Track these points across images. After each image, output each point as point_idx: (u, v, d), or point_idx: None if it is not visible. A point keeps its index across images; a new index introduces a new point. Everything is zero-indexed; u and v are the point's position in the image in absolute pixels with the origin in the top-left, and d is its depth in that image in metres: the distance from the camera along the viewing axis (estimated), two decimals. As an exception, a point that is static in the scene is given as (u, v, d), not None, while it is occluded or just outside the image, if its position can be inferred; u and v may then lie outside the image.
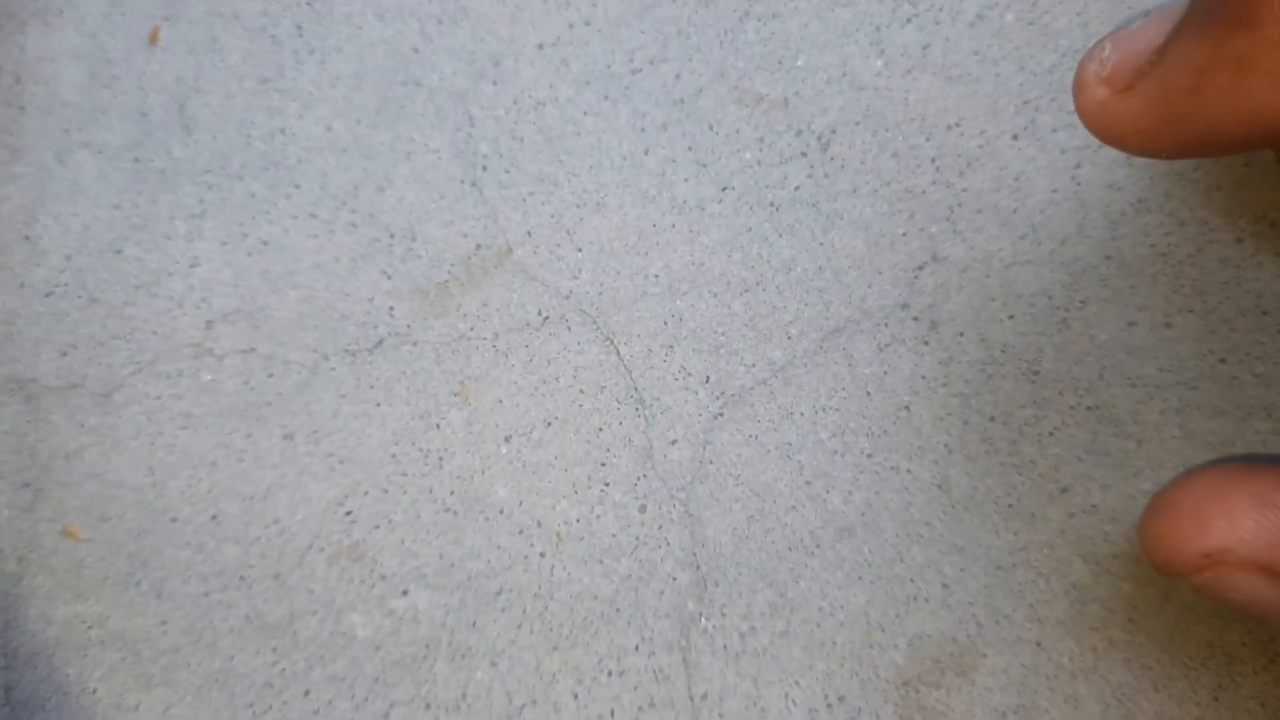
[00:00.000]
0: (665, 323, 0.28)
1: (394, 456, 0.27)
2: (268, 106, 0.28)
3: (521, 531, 0.27)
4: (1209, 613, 0.26)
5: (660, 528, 0.27)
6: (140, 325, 0.28)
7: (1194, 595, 0.26)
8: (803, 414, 0.27)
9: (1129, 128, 0.23)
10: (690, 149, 0.28)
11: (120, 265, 0.28)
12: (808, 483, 0.27)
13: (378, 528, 0.27)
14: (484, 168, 0.28)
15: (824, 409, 0.27)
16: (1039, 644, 0.27)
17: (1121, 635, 0.27)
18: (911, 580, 0.27)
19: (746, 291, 0.28)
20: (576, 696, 0.27)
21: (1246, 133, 0.21)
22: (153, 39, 0.29)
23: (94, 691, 0.27)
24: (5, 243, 0.28)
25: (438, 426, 0.27)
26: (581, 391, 0.28)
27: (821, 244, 0.28)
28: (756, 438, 0.27)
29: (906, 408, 0.27)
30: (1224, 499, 0.23)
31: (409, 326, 0.28)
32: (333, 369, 0.27)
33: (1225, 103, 0.21)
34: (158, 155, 0.28)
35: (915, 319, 0.27)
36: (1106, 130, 0.24)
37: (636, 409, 0.28)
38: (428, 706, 0.27)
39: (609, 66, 0.29)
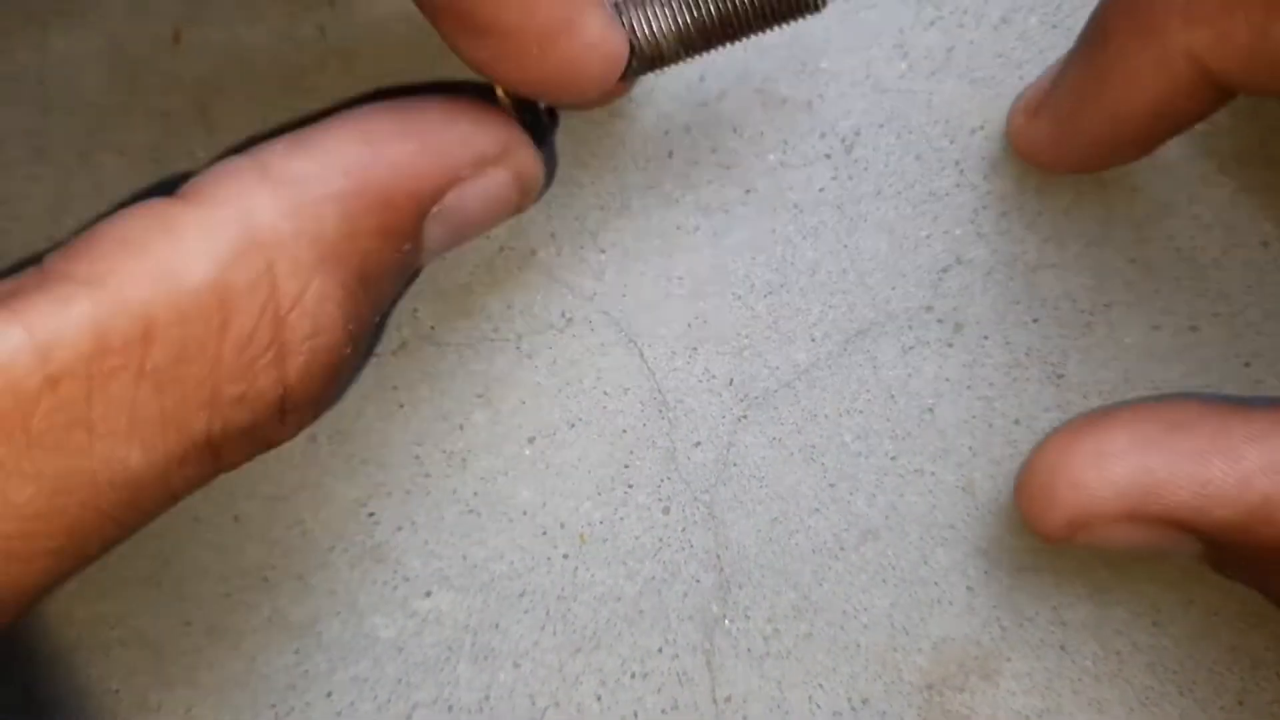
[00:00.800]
0: (689, 325, 0.28)
1: (417, 458, 0.27)
2: (290, 108, 0.28)
3: (545, 533, 0.27)
4: (1234, 616, 0.26)
5: (684, 530, 0.27)
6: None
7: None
8: (826, 416, 0.27)
9: (1037, 149, 0.27)
10: (714, 151, 0.28)
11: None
12: (831, 485, 0.27)
13: (400, 529, 0.27)
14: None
15: (848, 411, 0.27)
16: (1063, 647, 0.27)
17: (1146, 639, 0.27)
18: (935, 583, 0.27)
19: (770, 294, 0.28)
20: (600, 699, 0.27)
21: (1122, 137, 0.24)
22: (175, 39, 0.29)
23: (116, 691, 0.27)
24: (28, 243, 0.28)
25: (461, 428, 0.27)
26: (605, 393, 0.28)
27: (845, 246, 0.28)
28: (780, 440, 0.27)
29: (930, 410, 0.27)
30: (1097, 449, 0.23)
31: (432, 328, 0.28)
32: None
33: (1099, 114, 0.24)
34: (180, 156, 0.28)
35: (939, 321, 0.27)
36: (1023, 152, 0.27)
37: (660, 411, 0.28)
38: (450, 709, 0.27)
39: (632, 68, 0.29)
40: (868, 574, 0.27)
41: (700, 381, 0.28)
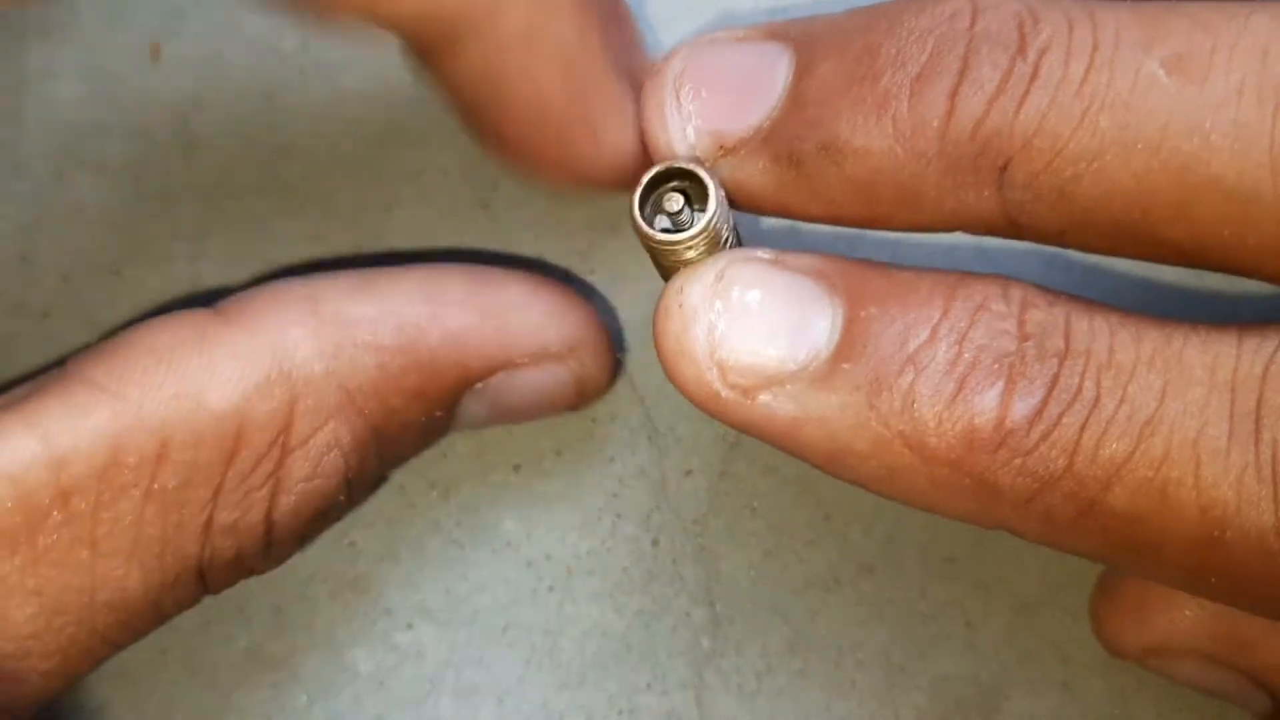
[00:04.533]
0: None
1: (400, 487, 0.27)
2: (271, 124, 0.28)
3: (530, 565, 0.27)
4: (1244, 656, 0.26)
5: (674, 562, 0.27)
6: (139, 349, 0.27)
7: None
8: (822, 445, 0.27)
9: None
10: (706, 170, 0.28)
11: (119, 286, 0.27)
12: (827, 516, 0.26)
13: (382, 560, 0.27)
14: (495, 187, 0.28)
15: (844, 440, 0.27)
16: (1066, 685, 0.26)
17: (1151, 676, 0.26)
18: (934, 618, 0.26)
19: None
20: (586, 736, 0.26)
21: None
22: (154, 55, 0.28)
23: (89, 725, 0.27)
24: (2, 262, 0.28)
25: (444, 456, 0.27)
26: (593, 420, 0.27)
27: (842, 269, 0.27)
28: (774, 469, 0.27)
29: (929, 439, 0.26)
30: (1165, 593, 0.23)
31: (415, 352, 0.27)
32: (337, 395, 0.27)
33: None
34: (158, 174, 0.28)
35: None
36: None
37: (649, 438, 0.27)
38: (432, 745, 0.26)
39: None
40: (864, 608, 0.26)
41: (691, 409, 0.26)
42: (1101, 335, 0.19)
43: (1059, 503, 0.19)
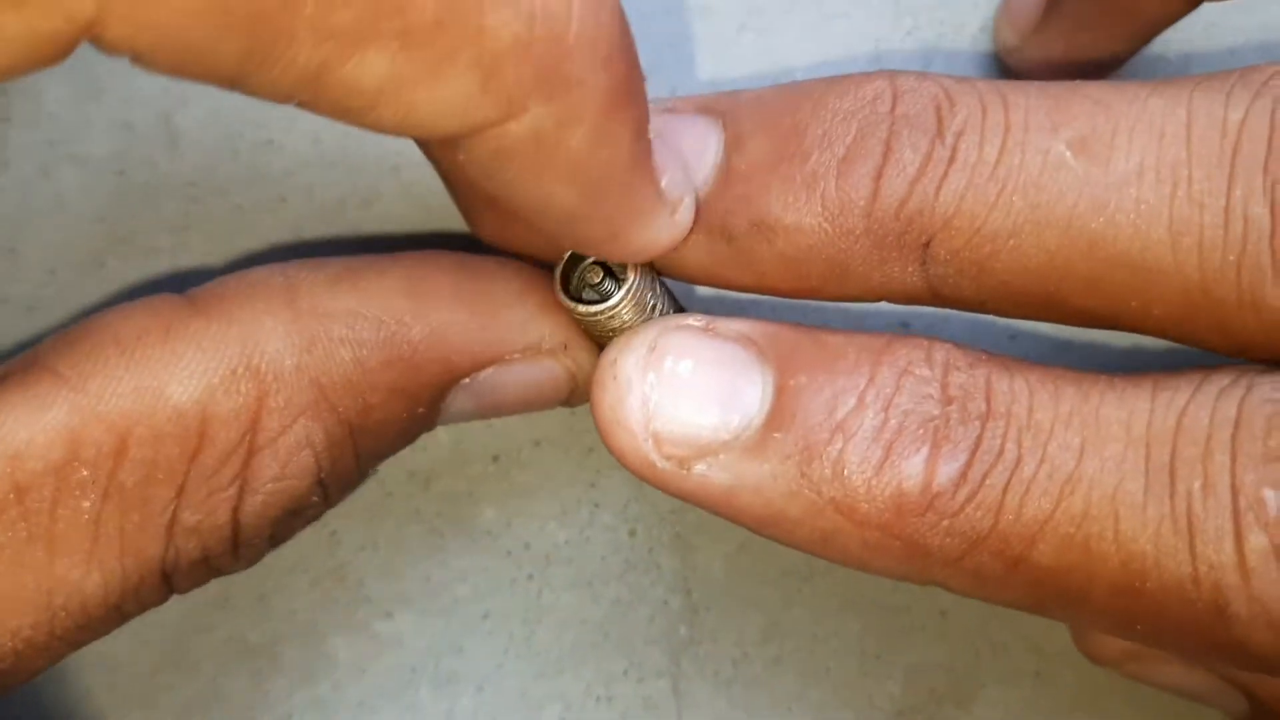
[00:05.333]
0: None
1: (380, 477, 0.27)
2: (254, 119, 0.28)
3: (509, 554, 0.27)
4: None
5: (651, 551, 0.27)
6: (123, 341, 0.27)
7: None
8: (798, 436, 0.27)
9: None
10: (684, 164, 0.28)
11: (104, 280, 0.27)
12: (802, 507, 0.27)
13: (362, 549, 0.27)
14: (475, 181, 0.28)
15: (819, 431, 0.27)
16: (1038, 675, 0.26)
17: (1124, 666, 0.26)
18: (908, 608, 0.26)
19: (739, 310, 0.27)
20: (564, 724, 0.26)
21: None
22: (138, 50, 0.28)
23: (73, 713, 0.27)
24: (-12, 256, 0.28)
25: (424, 447, 0.27)
26: (571, 412, 0.27)
27: (818, 262, 0.27)
28: (750, 460, 0.27)
29: (904, 431, 0.27)
30: None
31: (396, 344, 0.27)
32: (318, 387, 0.27)
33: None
34: (142, 168, 0.28)
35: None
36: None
37: (627, 430, 0.27)
38: (412, 733, 0.26)
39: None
40: (839, 598, 0.26)
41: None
42: (1021, 396, 0.19)
43: (987, 560, 0.19)
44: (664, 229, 0.21)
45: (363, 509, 0.27)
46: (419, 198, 0.28)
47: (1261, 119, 0.19)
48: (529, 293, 0.22)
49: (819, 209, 0.20)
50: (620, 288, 0.21)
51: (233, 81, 0.17)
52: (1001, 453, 0.19)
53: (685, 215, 0.21)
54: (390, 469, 0.27)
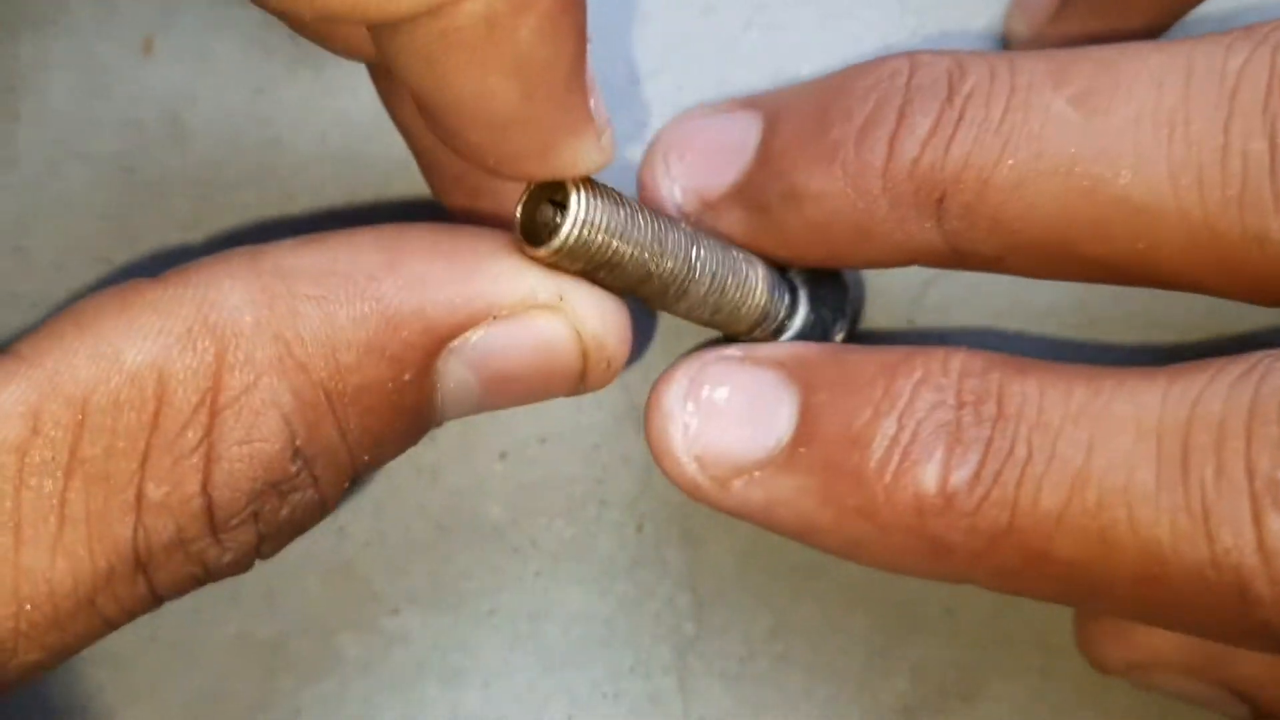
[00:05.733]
0: (664, 336, 0.27)
1: (387, 473, 0.27)
2: (261, 116, 0.28)
3: (516, 550, 0.27)
4: (1220, 641, 0.26)
5: (658, 547, 0.27)
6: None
7: None
8: (804, 432, 0.27)
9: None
10: (690, 161, 0.28)
11: (112, 277, 0.28)
12: (808, 503, 0.27)
13: (369, 545, 0.27)
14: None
15: (825, 428, 0.27)
16: (1044, 670, 0.26)
17: (1130, 662, 0.26)
18: (915, 604, 0.26)
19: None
20: (571, 719, 0.26)
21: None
22: (146, 49, 0.28)
23: (82, 708, 0.27)
24: (-4, 253, 0.28)
25: (432, 442, 0.27)
26: (578, 408, 0.27)
27: (824, 259, 0.27)
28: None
29: (910, 427, 0.27)
30: None
31: (403, 341, 0.27)
32: (325, 383, 0.27)
33: None
34: (150, 165, 0.28)
35: (922, 336, 0.27)
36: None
37: (634, 425, 0.27)
38: (419, 728, 0.26)
39: (608, 78, 0.28)
40: (845, 595, 0.26)
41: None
42: (1032, 396, 0.20)
43: (1010, 555, 0.20)
44: (593, 150, 0.21)
45: (370, 505, 0.27)
46: (426, 194, 0.28)
47: (1261, 64, 0.19)
48: (510, 249, 0.21)
49: (840, 174, 0.22)
50: (567, 217, 0.20)
51: None
52: (1012, 451, 0.20)
53: (609, 142, 0.21)
54: (397, 465, 0.27)
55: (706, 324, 0.24)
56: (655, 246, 0.22)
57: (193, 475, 0.19)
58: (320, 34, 0.21)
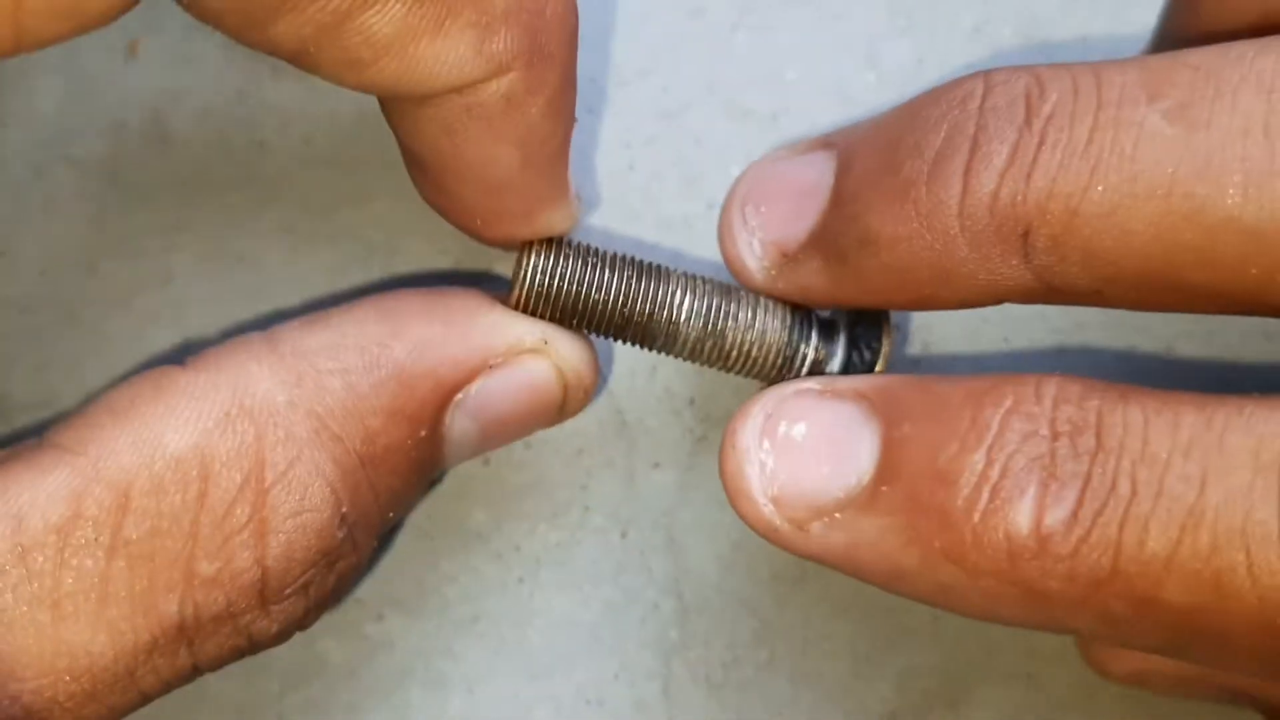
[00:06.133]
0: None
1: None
2: (246, 119, 0.28)
3: (499, 556, 0.27)
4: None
5: (642, 554, 0.27)
6: (116, 342, 0.27)
7: None
8: (790, 438, 0.27)
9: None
10: (677, 164, 0.28)
11: (96, 281, 0.28)
12: (794, 509, 0.26)
13: (354, 551, 0.27)
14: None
15: (811, 433, 0.27)
16: (1031, 677, 0.26)
17: (1117, 669, 0.26)
18: (900, 611, 0.26)
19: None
20: (555, 726, 0.26)
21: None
22: (131, 52, 0.28)
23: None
24: (-18, 257, 0.28)
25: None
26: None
27: (810, 263, 0.27)
28: (742, 462, 0.27)
29: (896, 432, 0.26)
30: None
31: (387, 345, 0.27)
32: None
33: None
34: (135, 169, 0.28)
35: (906, 340, 0.27)
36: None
37: (619, 431, 0.27)
38: (403, 734, 0.26)
39: (594, 79, 0.28)
40: (830, 601, 0.26)
41: (660, 401, 0.27)
42: (1135, 426, 0.18)
43: (1113, 603, 0.18)
44: (565, 216, 0.24)
45: (353, 510, 0.27)
46: (411, 198, 0.28)
47: None
48: (495, 304, 0.23)
49: (913, 215, 0.20)
50: (523, 270, 0.23)
51: (264, 23, 0.19)
52: (1114, 488, 0.18)
53: (577, 209, 0.24)
54: (381, 470, 0.27)
55: (726, 369, 0.24)
56: (625, 294, 0.23)
57: (245, 550, 0.20)
58: (312, 67, 0.22)
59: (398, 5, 0.19)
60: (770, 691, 0.26)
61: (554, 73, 0.21)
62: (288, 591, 0.20)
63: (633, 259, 0.24)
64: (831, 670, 0.26)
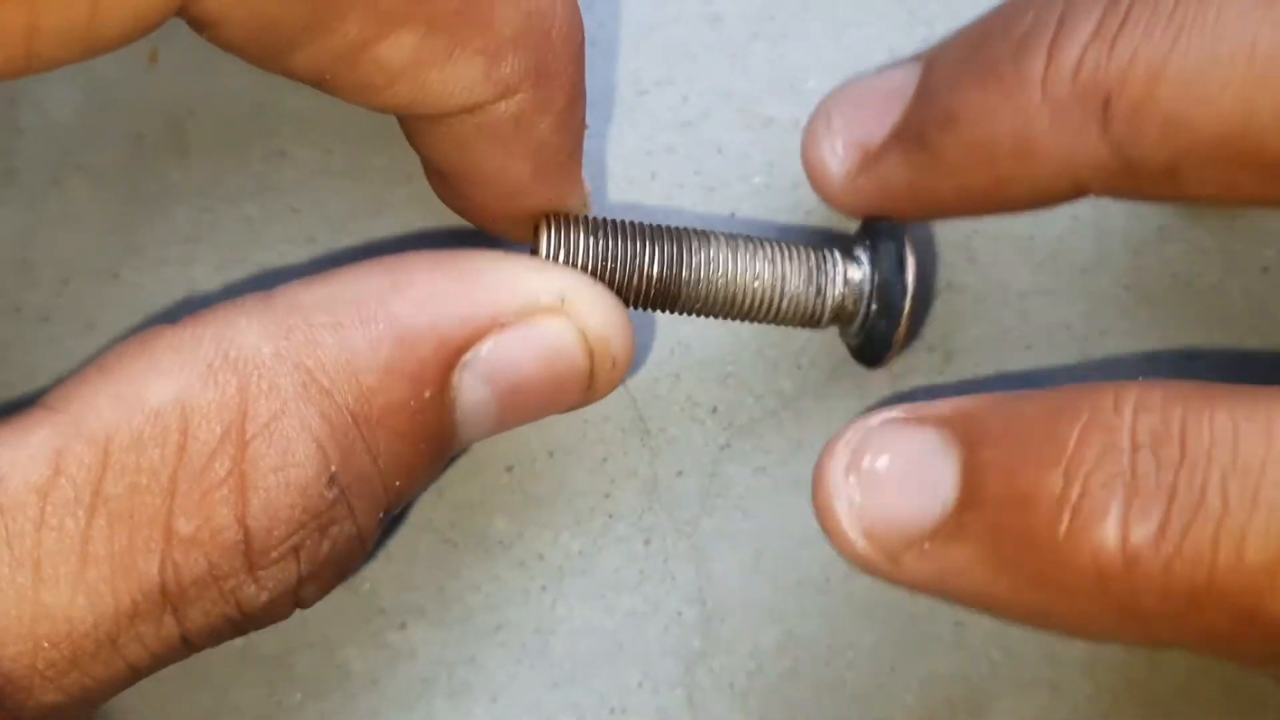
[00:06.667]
0: (672, 351, 0.27)
1: (393, 487, 0.27)
2: (265, 129, 0.28)
3: (522, 564, 0.27)
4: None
5: (665, 561, 0.27)
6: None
7: None
8: (813, 446, 0.27)
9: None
10: (697, 173, 0.28)
11: (116, 290, 0.28)
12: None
13: (376, 559, 0.27)
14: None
15: (834, 441, 0.27)
16: (1054, 685, 0.26)
17: (1141, 676, 0.26)
18: (924, 619, 0.26)
19: (755, 320, 0.27)
20: (578, 735, 0.26)
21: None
22: (150, 60, 0.28)
23: (87, 724, 0.27)
24: (1, 265, 0.28)
25: (438, 456, 0.27)
26: (585, 420, 0.27)
27: (832, 271, 0.27)
28: (765, 470, 0.27)
29: (919, 440, 0.27)
30: None
31: (408, 354, 0.27)
32: (331, 397, 0.27)
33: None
34: (153, 178, 0.28)
35: (930, 349, 0.27)
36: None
37: (642, 439, 0.27)
38: (426, 744, 0.26)
39: (615, 88, 0.28)
40: (854, 609, 0.26)
41: (683, 409, 0.27)
42: (1224, 434, 0.18)
43: (1214, 617, 0.18)
44: (579, 208, 0.24)
45: (376, 520, 0.27)
46: (429, 206, 0.28)
47: None
48: (510, 258, 0.22)
49: (995, 90, 0.21)
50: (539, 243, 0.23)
51: (283, 54, 0.20)
52: (1204, 500, 0.17)
53: (589, 201, 0.25)
54: (403, 480, 0.27)
55: (753, 319, 0.24)
56: (648, 256, 0.23)
57: (224, 506, 0.19)
58: (330, 90, 0.22)
59: (410, 36, 0.20)
60: (793, 700, 0.26)
61: (561, 91, 0.22)
62: (274, 554, 0.19)
63: (647, 224, 0.24)
64: (855, 679, 0.26)
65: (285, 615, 0.21)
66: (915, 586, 0.21)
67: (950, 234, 0.27)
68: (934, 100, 0.22)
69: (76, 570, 0.18)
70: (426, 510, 0.27)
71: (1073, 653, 0.26)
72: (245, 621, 0.20)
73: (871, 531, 0.20)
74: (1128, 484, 0.18)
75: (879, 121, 0.23)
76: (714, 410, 0.27)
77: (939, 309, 0.27)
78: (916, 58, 0.24)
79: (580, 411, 0.27)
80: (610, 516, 0.27)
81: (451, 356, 0.21)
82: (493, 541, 0.27)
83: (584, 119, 0.24)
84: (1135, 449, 0.18)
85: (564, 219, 0.24)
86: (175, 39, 0.28)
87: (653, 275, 0.23)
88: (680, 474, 0.27)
